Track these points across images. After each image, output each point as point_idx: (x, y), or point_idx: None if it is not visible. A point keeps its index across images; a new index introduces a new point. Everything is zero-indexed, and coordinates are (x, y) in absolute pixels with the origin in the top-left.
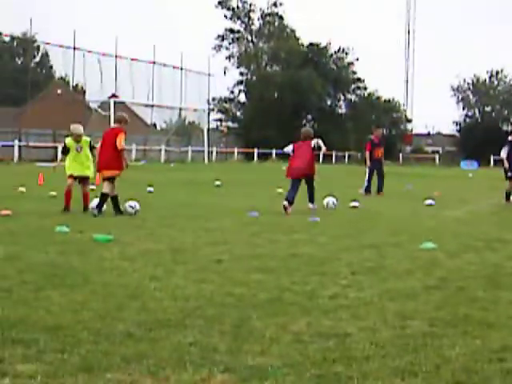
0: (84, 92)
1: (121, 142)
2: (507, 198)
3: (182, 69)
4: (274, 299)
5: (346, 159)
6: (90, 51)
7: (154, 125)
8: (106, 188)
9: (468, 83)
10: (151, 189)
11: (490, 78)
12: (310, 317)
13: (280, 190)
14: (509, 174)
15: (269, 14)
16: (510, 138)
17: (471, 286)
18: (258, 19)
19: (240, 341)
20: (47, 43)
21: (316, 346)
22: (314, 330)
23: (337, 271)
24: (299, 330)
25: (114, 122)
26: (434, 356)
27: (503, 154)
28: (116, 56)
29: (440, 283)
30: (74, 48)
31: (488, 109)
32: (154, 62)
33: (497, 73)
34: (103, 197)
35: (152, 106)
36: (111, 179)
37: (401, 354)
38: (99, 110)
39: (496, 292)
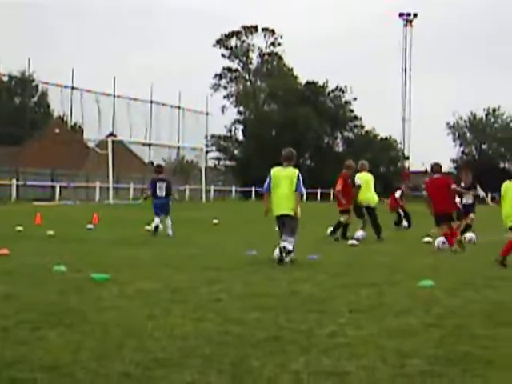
0: (82, 131)
1: None
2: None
3: (179, 107)
4: (272, 338)
5: None
6: (88, 90)
7: (152, 163)
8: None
9: (465, 121)
10: (149, 227)
11: (487, 115)
12: (308, 355)
13: (277, 229)
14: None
15: (267, 54)
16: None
17: (471, 324)
18: (257, 58)
19: (238, 380)
20: (45, 82)
21: None
22: (313, 368)
23: (335, 309)
24: (298, 369)
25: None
26: None
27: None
28: (114, 95)
29: (439, 321)
30: (72, 88)
31: (485, 146)
32: (152, 101)
33: (493, 110)
34: None
35: (150, 144)
36: None
37: None
38: (97, 148)
39: (495, 329)
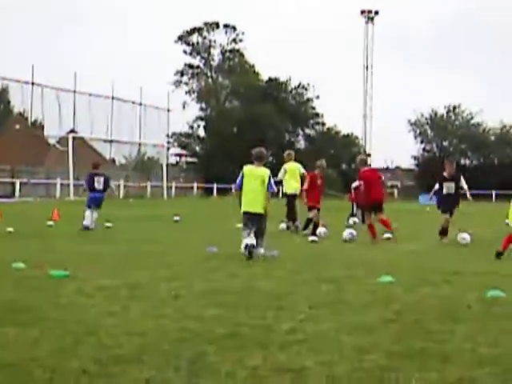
0: (42, 127)
1: None
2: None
3: (141, 104)
4: (230, 334)
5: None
6: (48, 86)
7: (113, 160)
8: None
9: (426, 118)
10: (109, 224)
11: (448, 112)
12: (266, 351)
13: (239, 225)
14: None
15: (229, 50)
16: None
17: (428, 319)
18: (218, 55)
19: (195, 376)
20: (4, 78)
21: (272, 380)
22: (271, 364)
23: (294, 305)
24: (255, 365)
25: None
26: None
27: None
28: (75, 91)
29: (397, 316)
30: (33, 83)
31: (446, 143)
32: (113, 98)
33: (454, 108)
34: None
35: (111, 141)
36: None
37: None
38: (57, 145)
39: (452, 325)
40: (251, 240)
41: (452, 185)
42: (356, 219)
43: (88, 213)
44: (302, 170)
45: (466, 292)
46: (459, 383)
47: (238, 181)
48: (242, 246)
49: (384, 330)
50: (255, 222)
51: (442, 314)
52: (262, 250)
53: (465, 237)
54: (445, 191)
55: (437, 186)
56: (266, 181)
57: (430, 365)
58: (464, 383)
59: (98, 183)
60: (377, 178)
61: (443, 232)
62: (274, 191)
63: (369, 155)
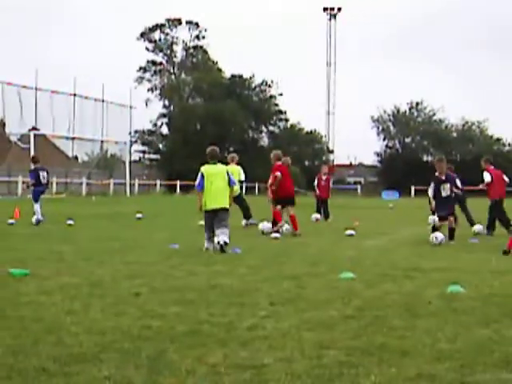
0: (4, 124)
1: None
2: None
3: (103, 101)
4: (191, 331)
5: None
6: (9, 83)
7: (76, 157)
8: None
9: (388, 114)
10: (71, 221)
11: (410, 109)
12: (227, 348)
13: (201, 222)
14: (440, 213)
15: (192, 47)
16: (436, 173)
17: (388, 315)
18: (181, 51)
19: (155, 374)
20: None
21: (232, 377)
22: (231, 361)
23: (255, 302)
24: (215, 362)
25: None
26: None
27: (430, 192)
28: (36, 88)
29: (358, 313)
30: None
31: (408, 140)
32: (75, 95)
33: (416, 104)
34: None
35: (73, 138)
36: None
37: (316, 383)
38: (19, 142)
39: (412, 320)
40: (221, 237)
41: (448, 186)
42: (318, 215)
43: (37, 207)
44: (242, 177)
45: (426, 288)
46: (418, 378)
47: (198, 182)
48: (204, 247)
49: (344, 326)
50: (220, 215)
51: (402, 309)
52: (227, 239)
53: (437, 236)
54: (443, 194)
55: (431, 191)
56: (226, 177)
57: (389, 360)
58: (423, 378)
59: (43, 177)
60: (289, 173)
61: (435, 229)
62: (235, 185)
63: (332, 151)
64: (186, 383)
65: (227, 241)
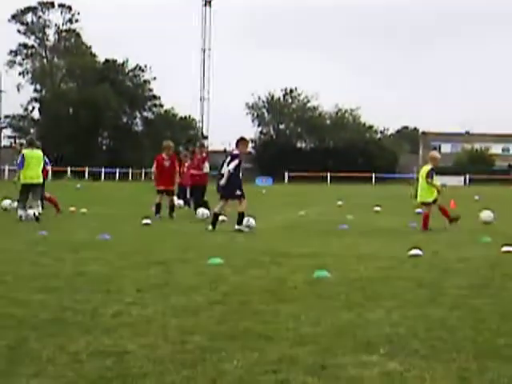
0: None
1: None
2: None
3: None
4: (54, 319)
5: (143, 176)
6: None
7: None
8: None
9: (263, 101)
10: None
11: (285, 96)
12: (90, 336)
13: (72, 209)
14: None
15: (65, 31)
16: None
17: (254, 300)
18: (54, 35)
19: (15, 363)
20: None
21: (93, 365)
22: (93, 348)
23: (122, 289)
24: (77, 350)
25: None
26: (212, 370)
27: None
28: None
29: (224, 298)
30: None
31: (282, 126)
32: None
33: (291, 91)
34: None
35: None
36: None
37: (178, 369)
38: None
39: (277, 305)
40: (35, 210)
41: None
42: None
43: None
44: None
45: (293, 273)
46: (279, 362)
47: (20, 162)
48: (18, 215)
49: (210, 312)
50: (36, 190)
51: (268, 295)
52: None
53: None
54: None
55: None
56: (42, 160)
57: (252, 345)
58: (284, 362)
59: None
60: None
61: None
62: (47, 167)
63: (206, 137)
64: (46, 372)
65: (40, 211)
